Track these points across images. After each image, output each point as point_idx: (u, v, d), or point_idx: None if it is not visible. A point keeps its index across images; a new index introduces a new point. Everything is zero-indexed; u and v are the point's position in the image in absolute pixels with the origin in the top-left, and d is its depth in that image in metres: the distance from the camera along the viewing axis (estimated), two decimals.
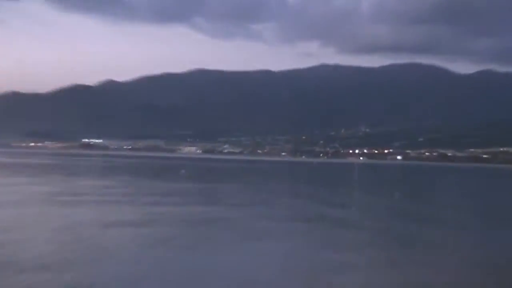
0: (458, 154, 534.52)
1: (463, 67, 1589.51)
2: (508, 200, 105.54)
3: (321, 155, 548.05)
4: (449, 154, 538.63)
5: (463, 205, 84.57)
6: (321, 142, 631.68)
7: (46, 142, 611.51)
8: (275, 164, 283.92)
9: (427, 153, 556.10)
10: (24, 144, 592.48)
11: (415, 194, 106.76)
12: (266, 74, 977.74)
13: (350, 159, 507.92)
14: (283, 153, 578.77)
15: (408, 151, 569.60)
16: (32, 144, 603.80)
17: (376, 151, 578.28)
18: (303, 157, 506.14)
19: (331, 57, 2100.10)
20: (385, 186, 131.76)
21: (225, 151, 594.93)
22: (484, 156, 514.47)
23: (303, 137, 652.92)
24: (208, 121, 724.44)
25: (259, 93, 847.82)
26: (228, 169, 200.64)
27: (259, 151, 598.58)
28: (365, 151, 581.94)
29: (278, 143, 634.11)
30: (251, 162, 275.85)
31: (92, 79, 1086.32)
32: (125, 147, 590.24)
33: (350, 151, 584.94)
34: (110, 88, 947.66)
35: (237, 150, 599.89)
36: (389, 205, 78.40)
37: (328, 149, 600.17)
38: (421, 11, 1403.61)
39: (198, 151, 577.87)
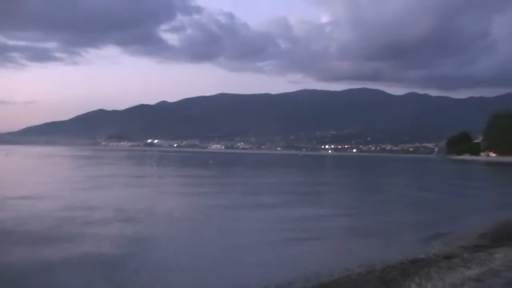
0: (394, 148, 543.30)
1: (397, 90, 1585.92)
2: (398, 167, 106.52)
3: (303, 149, 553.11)
4: (388, 148, 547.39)
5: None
6: (304, 140, 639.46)
7: (122, 142, 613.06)
8: (273, 155, 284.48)
9: (373, 148, 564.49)
10: (110, 144, 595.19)
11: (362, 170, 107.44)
12: (266, 96, 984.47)
13: (323, 152, 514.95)
14: (278, 148, 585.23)
15: (361, 146, 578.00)
16: (113, 143, 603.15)
17: (340, 146, 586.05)
18: (292, 150, 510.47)
19: (311, 84, 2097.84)
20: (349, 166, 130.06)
21: (240, 147, 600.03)
22: (410, 149, 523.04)
23: (292, 137, 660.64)
24: (228, 126, 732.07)
25: (262, 108, 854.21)
26: (243, 158, 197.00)
27: (262, 146, 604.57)
28: (332, 146, 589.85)
29: (274, 141, 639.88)
30: (257, 155, 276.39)
31: (150, 100, 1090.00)
32: (174, 145, 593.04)
33: (323, 146, 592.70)
34: (163, 106, 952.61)
35: (247, 146, 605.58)
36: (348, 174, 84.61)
37: (307, 145, 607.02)
38: (369, 52, 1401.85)
39: (221, 147, 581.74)
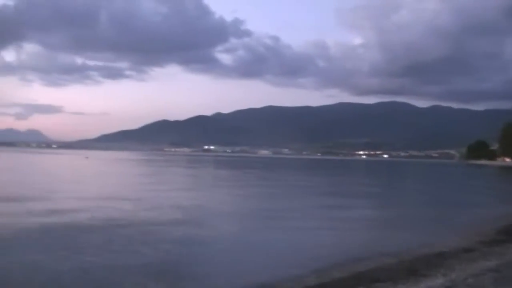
0: (419, 154, 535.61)
1: (422, 103, 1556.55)
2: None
3: (340, 155, 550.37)
4: (414, 154, 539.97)
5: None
6: (340, 147, 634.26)
7: (182, 148, 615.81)
8: (315, 160, 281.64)
9: (402, 153, 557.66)
10: (172, 149, 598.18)
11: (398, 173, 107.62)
12: (307, 108, 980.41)
13: (356, 157, 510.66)
14: (318, 154, 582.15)
15: (391, 152, 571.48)
16: (174, 149, 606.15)
17: (372, 152, 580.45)
18: (331, 156, 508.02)
19: (345, 97, 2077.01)
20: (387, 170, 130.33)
21: (284, 152, 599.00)
22: (434, 155, 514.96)
23: (329, 144, 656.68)
24: (274, 134, 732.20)
25: (304, 118, 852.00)
26: (295, 162, 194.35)
27: (304, 152, 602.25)
28: (365, 152, 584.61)
29: (314, 148, 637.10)
30: (302, 160, 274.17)
31: (207, 111, 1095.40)
32: (227, 150, 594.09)
33: (356, 152, 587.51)
34: (218, 116, 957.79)
35: (291, 152, 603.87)
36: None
37: (343, 151, 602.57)
38: (395, 70, 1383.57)
39: (269, 153, 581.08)
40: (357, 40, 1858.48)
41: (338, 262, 15.08)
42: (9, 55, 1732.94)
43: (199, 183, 55.70)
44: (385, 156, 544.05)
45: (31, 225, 19.69)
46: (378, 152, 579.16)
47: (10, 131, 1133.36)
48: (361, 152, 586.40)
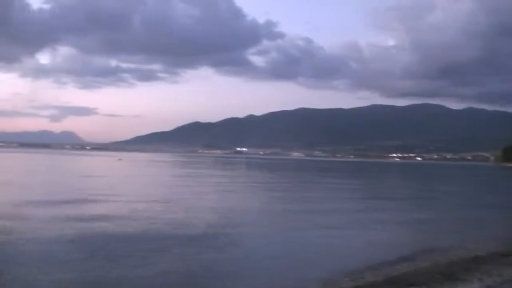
0: (454, 156, 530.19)
1: (456, 105, 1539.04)
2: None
3: (371, 156, 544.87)
4: (448, 156, 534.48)
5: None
6: (372, 149, 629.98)
7: (215, 150, 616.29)
8: (347, 162, 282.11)
9: (435, 156, 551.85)
10: (205, 151, 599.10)
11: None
12: (340, 110, 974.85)
13: (390, 159, 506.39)
14: (350, 156, 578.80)
15: (423, 155, 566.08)
16: (207, 151, 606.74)
17: (405, 155, 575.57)
18: (363, 158, 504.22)
19: (378, 99, 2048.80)
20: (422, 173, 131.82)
21: (316, 154, 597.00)
22: (468, 157, 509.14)
23: (362, 146, 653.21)
24: (306, 137, 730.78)
25: (336, 120, 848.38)
26: (322, 164, 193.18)
27: (337, 155, 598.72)
28: (398, 154, 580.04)
29: (347, 150, 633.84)
30: (338, 162, 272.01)
31: (239, 113, 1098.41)
32: (260, 152, 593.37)
33: (389, 155, 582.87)
34: (250, 119, 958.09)
35: (323, 155, 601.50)
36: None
37: (376, 153, 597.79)
38: (428, 71, 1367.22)
39: (301, 155, 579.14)
40: (390, 42, 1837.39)
41: (373, 264, 15.15)
42: (44, 58, 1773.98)
43: (241, 185, 55.66)
44: (418, 158, 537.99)
45: (89, 230, 20.09)
46: (411, 155, 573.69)
47: (45, 132, 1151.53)
48: (394, 155, 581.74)
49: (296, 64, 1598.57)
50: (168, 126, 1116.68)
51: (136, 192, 40.13)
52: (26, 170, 76.00)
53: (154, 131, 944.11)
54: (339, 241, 19.74)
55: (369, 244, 19.32)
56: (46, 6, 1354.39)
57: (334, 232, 21.68)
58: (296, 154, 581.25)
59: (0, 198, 31.33)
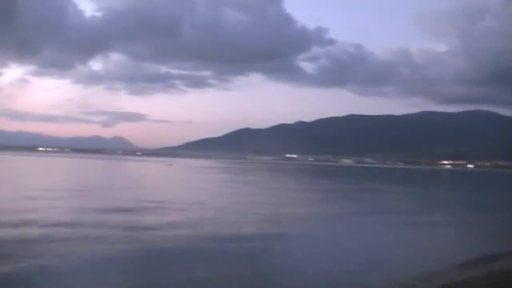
0: (507, 163, 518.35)
1: (507, 111, 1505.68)
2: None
3: (422, 164, 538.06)
4: (501, 163, 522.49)
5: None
6: (423, 156, 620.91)
7: (264, 156, 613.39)
8: (398, 169, 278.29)
9: (487, 163, 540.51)
10: (255, 157, 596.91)
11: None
12: (390, 117, 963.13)
13: (441, 167, 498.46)
14: (400, 163, 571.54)
15: (475, 162, 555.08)
16: (256, 157, 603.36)
17: (456, 162, 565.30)
18: (414, 165, 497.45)
19: (429, 106, 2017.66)
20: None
21: (367, 161, 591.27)
22: None
23: (412, 154, 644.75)
24: (356, 143, 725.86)
25: (386, 127, 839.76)
26: (374, 171, 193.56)
27: (387, 161, 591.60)
28: (449, 162, 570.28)
29: (397, 157, 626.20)
30: (389, 169, 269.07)
31: (289, 120, 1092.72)
32: (309, 159, 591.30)
33: (440, 162, 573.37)
34: (300, 125, 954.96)
35: (373, 161, 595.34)
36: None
37: (427, 161, 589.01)
38: (481, 77, 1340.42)
39: (351, 161, 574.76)
40: (441, 47, 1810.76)
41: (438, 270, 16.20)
42: (97, 64, 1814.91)
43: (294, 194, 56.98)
44: (470, 166, 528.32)
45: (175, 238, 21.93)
46: (462, 162, 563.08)
47: (96, 138, 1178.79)
48: (445, 162, 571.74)
49: (345, 70, 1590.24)
50: (218, 132, 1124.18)
51: (197, 197, 42.29)
52: (102, 176, 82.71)
53: (204, 137, 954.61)
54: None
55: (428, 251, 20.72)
56: (98, 14, 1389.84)
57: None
58: (346, 161, 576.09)
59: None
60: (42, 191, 44.73)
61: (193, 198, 42.20)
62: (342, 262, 18.50)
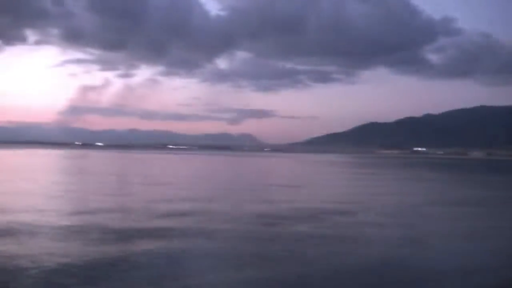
0: None
1: None
2: None
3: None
4: None
5: None
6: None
7: (391, 150, 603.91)
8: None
9: None
10: (382, 151, 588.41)
11: None
12: None
13: None
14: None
15: None
16: (383, 151, 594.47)
17: None
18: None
19: None
20: None
21: (499, 154, 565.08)
22: None
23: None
24: (487, 135, 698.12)
25: None
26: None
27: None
28: None
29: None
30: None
31: (416, 112, 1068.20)
32: (438, 152, 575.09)
33: None
34: (427, 117, 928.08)
35: (506, 154, 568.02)
36: None
37: None
38: None
39: (482, 154, 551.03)
40: None
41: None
42: (223, 62, 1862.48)
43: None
44: None
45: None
46: None
47: (224, 135, 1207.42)
48: None
49: (474, 60, 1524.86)
50: (344, 127, 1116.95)
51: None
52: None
53: (330, 132, 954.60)
54: None
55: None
56: (223, 13, 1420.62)
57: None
58: (476, 154, 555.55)
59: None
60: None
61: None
62: None
